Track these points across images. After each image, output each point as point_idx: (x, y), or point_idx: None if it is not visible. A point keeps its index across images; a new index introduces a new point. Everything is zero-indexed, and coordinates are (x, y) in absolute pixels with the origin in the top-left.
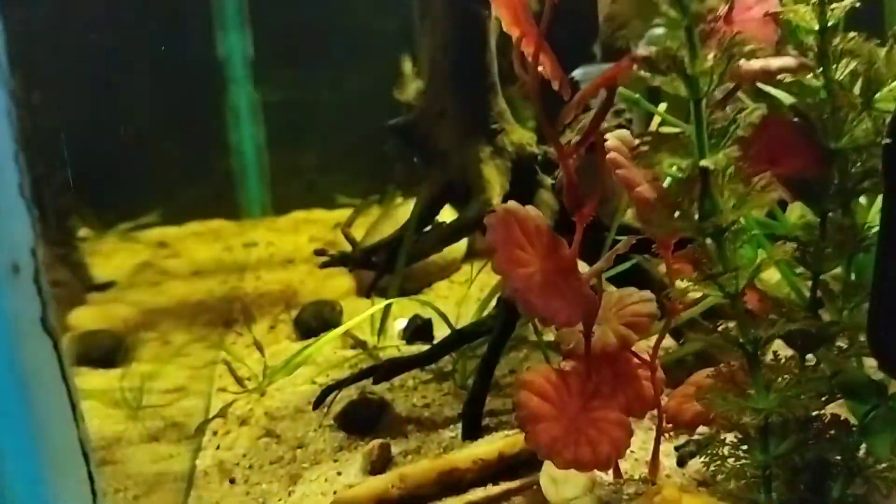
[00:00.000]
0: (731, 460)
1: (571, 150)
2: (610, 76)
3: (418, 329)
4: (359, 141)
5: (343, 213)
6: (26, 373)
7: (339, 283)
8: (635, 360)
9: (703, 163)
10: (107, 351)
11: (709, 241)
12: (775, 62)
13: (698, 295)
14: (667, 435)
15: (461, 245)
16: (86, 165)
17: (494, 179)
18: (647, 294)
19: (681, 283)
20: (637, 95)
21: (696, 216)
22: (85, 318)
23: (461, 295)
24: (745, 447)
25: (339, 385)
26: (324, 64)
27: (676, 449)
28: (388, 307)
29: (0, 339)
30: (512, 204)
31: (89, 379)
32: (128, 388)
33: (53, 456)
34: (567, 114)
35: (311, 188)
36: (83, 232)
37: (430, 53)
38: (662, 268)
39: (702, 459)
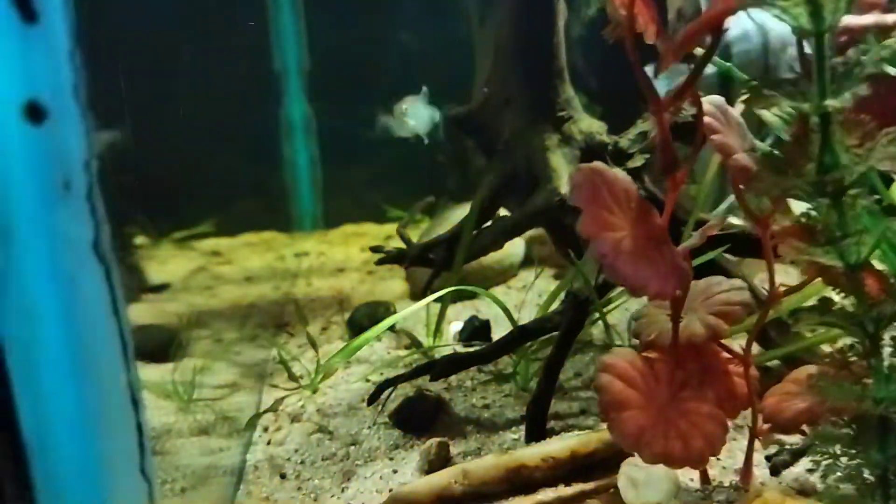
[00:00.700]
0: (843, 459)
1: (668, 103)
2: (716, 14)
3: (476, 330)
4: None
5: (394, 227)
6: (74, 303)
7: (392, 287)
8: (725, 354)
9: (829, 102)
10: (159, 345)
11: (825, 203)
12: (890, 17)
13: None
14: (758, 441)
15: (519, 250)
16: (143, 174)
17: (562, 168)
18: (739, 282)
19: (788, 248)
20: (729, 64)
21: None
22: (138, 313)
23: (518, 301)
24: (859, 446)
25: (395, 381)
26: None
27: (768, 459)
28: (443, 308)
29: (47, 264)
30: (599, 164)
31: (141, 371)
32: (179, 381)
33: (101, 396)
34: (666, 60)
35: (359, 202)
36: (139, 240)
37: (496, 39)
38: (744, 268)
39: (809, 458)
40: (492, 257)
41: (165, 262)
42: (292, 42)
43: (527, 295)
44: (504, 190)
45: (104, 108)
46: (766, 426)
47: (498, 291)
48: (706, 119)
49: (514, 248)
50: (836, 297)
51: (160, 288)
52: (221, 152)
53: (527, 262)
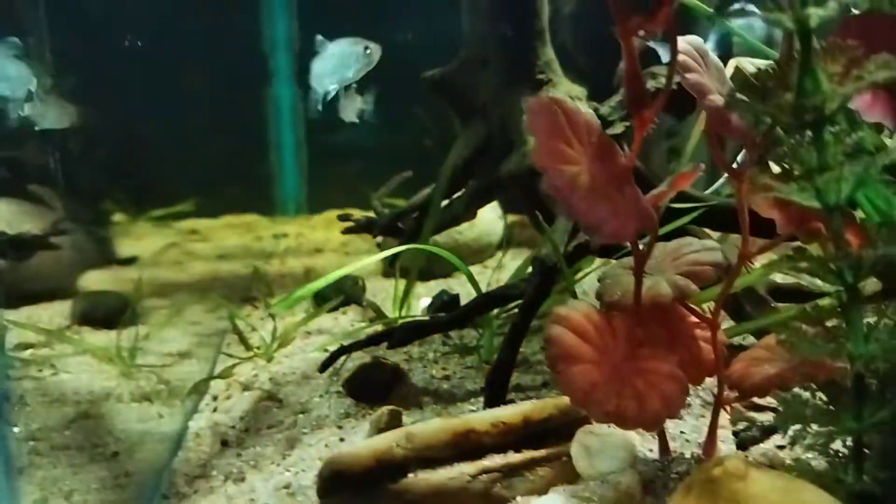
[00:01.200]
0: (814, 427)
1: (636, 24)
2: None
3: (444, 305)
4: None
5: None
6: None
7: (365, 265)
8: (692, 318)
9: (811, 10)
10: (111, 311)
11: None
12: None
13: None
14: (725, 418)
15: (497, 229)
16: (125, 154)
17: None
18: (711, 242)
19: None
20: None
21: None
22: (97, 279)
23: (493, 281)
24: (832, 413)
25: (350, 348)
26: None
27: (735, 434)
28: (410, 284)
29: None
30: (559, 95)
31: (89, 337)
32: (126, 347)
33: None
34: None
35: (347, 189)
36: (117, 217)
37: None
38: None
39: (777, 423)
40: (468, 235)
41: (140, 239)
42: (283, 22)
43: (500, 274)
44: (478, 156)
45: (86, 86)
46: (732, 395)
47: (473, 271)
48: (680, 57)
49: (493, 226)
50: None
51: (129, 261)
52: (206, 133)
53: (509, 243)
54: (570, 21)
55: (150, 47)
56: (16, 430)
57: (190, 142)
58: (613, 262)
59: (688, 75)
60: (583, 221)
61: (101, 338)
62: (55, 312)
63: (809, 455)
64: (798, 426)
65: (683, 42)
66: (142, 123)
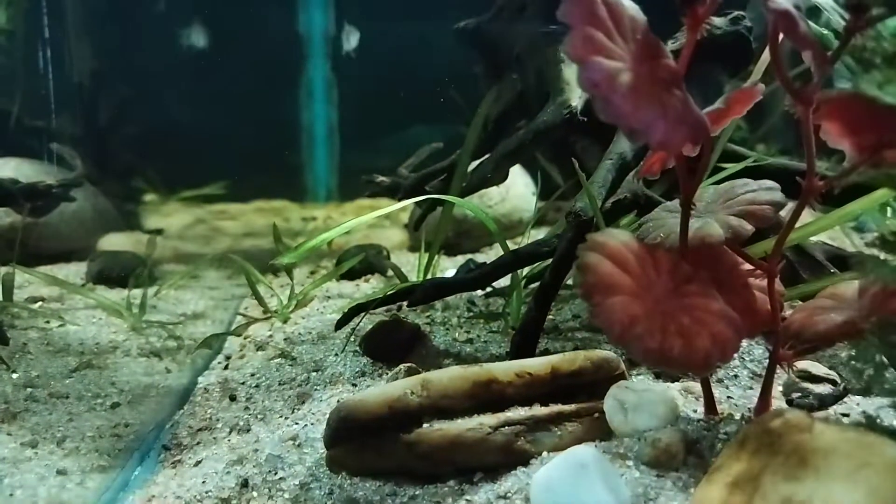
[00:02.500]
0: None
1: None
2: None
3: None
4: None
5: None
6: None
7: (390, 236)
8: (746, 265)
9: None
10: (127, 271)
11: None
12: None
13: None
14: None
15: (530, 206)
16: (159, 137)
17: (575, 82)
18: (769, 182)
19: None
20: None
21: None
22: (114, 242)
23: None
24: None
25: (367, 306)
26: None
27: (790, 402)
28: (433, 253)
29: None
30: None
31: (105, 294)
32: (137, 304)
33: None
34: None
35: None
36: (149, 196)
37: None
38: None
39: (850, 364)
40: (499, 210)
41: (168, 215)
42: (318, 4)
43: None
44: (512, 112)
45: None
46: (791, 352)
47: None
48: (779, 9)
49: (526, 203)
50: None
51: (155, 232)
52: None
53: (540, 223)
54: None
55: (185, 33)
56: (14, 376)
57: (223, 126)
58: None
59: (797, 31)
60: (625, 124)
61: (115, 296)
62: (72, 272)
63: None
64: (873, 373)
65: None
66: (175, 107)
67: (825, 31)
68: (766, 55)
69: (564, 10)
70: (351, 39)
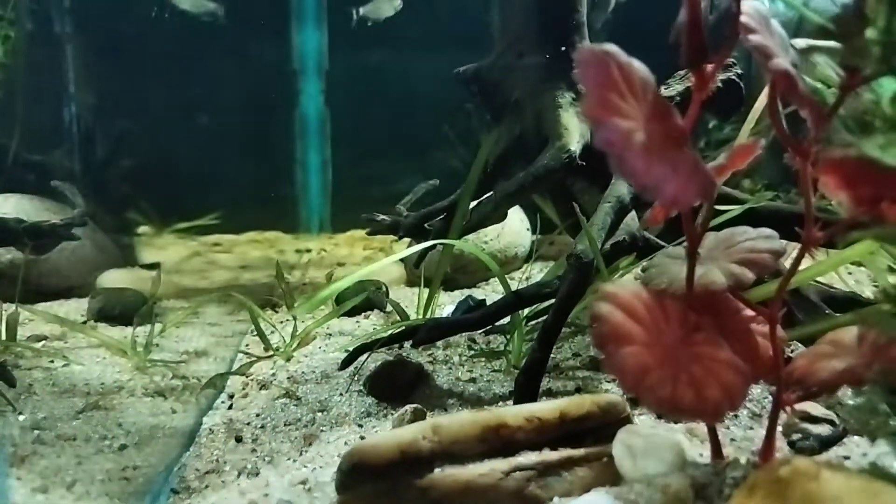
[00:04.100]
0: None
1: None
2: None
3: (470, 310)
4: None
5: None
6: None
7: (388, 271)
8: (747, 311)
9: None
10: (129, 308)
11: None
12: None
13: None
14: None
15: (525, 241)
16: (153, 169)
17: (574, 127)
18: (768, 231)
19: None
20: None
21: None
22: (114, 279)
23: None
24: None
25: (372, 345)
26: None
27: (791, 445)
28: (433, 289)
29: None
30: (611, 46)
31: (107, 331)
32: (141, 343)
33: None
34: None
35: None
36: (142, 229)
37: None
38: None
39: (853, 418)
40: (494, 245)
41: (163, 248)
42: (312, 41)
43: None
44: (511, 154)
45: (118, 102)
46: (793, 396)
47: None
48: (743, 18)
49: (520, 238)
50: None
51: (151, 266)
52: (234, 150)
53: (533, 258)
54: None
55: (182, 65)
56: (21, 418)
57: (216, 159)
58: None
59: (751, 37)
60: (640, 181)
61: (116, 333)
62: (72, 309)
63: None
64: (877, 420)
65: (745, 5)
66: (170, 140)
67: (820, 86)
68: (759, 103)
69: (581, 73)
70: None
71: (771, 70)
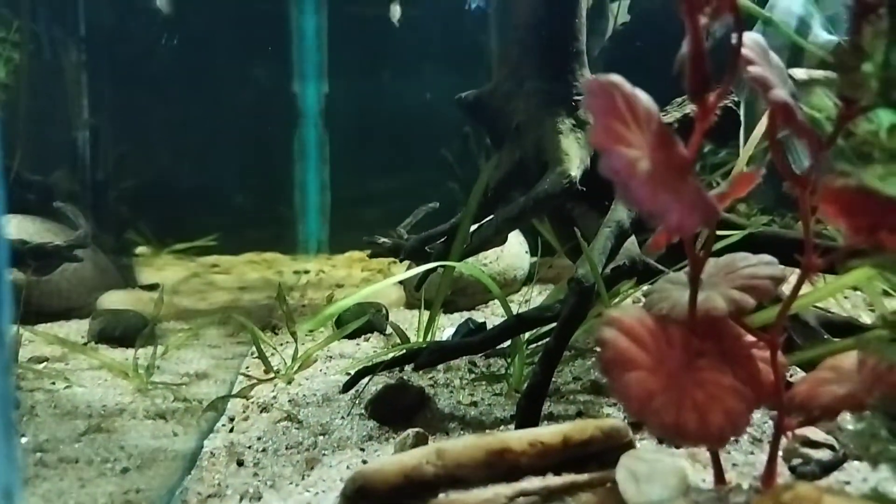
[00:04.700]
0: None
1: (703, 1)
2: None
3: (471, 333)
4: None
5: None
6: None
7: (388, 292)
8: (748, 337)
9: None
10: (129, 330)
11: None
12: None
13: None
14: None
15: (524, 264)
16: (152, 190)
17: (573, 152)
18: (768, 257)
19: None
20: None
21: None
22: (115, 300)
23: None
24: None
25: (374, 369)
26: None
27: (792, 470)
28: (434, 312)
29: None
30: (616, 76)
31: (108, 353)
32: (142, 365)
33: None
34: None
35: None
36: (140, 249)
37: (514, 17)
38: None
39: (855, 443)
40: (493, 268)
41: (162, 269)
42: (312, 63)
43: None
44: (511, 178)
45: (118, 123)
46: (794, 421)
47: (499, 304)
48: (745, 51)
49: (520, 261)
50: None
51: (150, 287)
52: (233, 172)
53: (532, 280)
54: (601, 57)
55: (182, 86)
56: (24, 440)
57: (216, 180)
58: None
59: (750, 68)
60: (645, 209)
61: (117, 355)
62: (73, 330)
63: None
64: (879, 446)
65: (746, 37)
66: (169, 160)
67: (818, 115)
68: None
69: (587, 103)
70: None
71: (771, 101)
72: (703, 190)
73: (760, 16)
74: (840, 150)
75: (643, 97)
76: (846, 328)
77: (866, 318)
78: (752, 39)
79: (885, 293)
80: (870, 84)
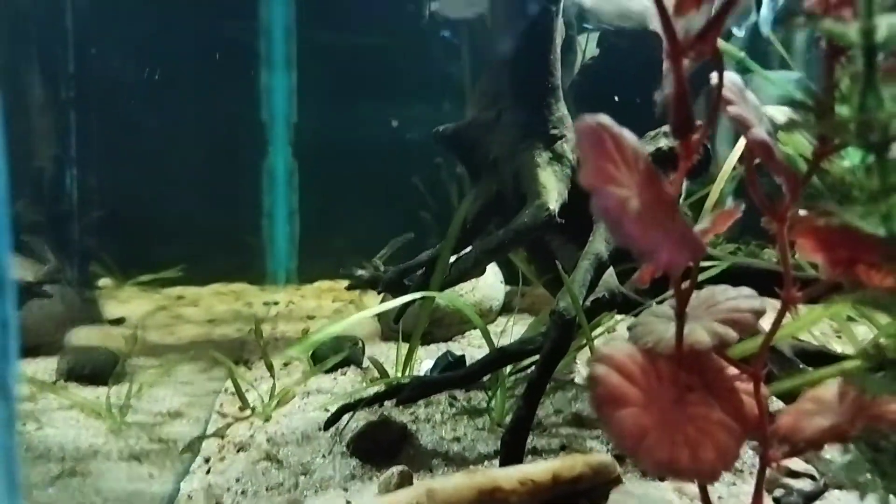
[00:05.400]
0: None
1: (687, 45)
2: None
3: (450, 366)
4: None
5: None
6: None
7: (363, 325)
8: (731, 369)
9: (885, 20)
10: (99, 368)
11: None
12: None
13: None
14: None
15: (499, 295)
16: (116, 221)
17: (551, 185)
18: (748, 290)
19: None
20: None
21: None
22: (82, 336)
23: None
24: None
25: (356, 405)
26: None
27: (776, 501)
28: (413, 345)
29: None
30: (605, 117)
31: (77, 392)
32: (115, 404)
33: None
34: None
35: (339, 260)
36: (103, 281)
37: (491, 52)
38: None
39: (844, 473)
40: (469, 299)
41: (126, 302)
42: (281, 92)
43: (502, 339)
44: (489, 211)
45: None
46: (779, 451)
47: (474, 335)
48: (724, 91)
49: (495, 291)
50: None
51: (116, 321)
52: (198, 200)
53: (507, 310)
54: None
55: (148, 114)
56: None
57: (181, 209)
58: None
59: (729, 108)
60: (636, 247)
61: (88, 394)
62: (41, 368)
63: None
64: (868, 476)
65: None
66: (135, 189)
67: (792, 153)
68: (729, 162)
69: (578, 144)
70: None
71: (749, 140)
72: (690, 227)
73: (736, 57)
74: (817, 189)
75: (630, 137)
76: (820, 357)
77: (836, 346)
78: (730, 80)
79: (850, 318)
80: (846, 127)
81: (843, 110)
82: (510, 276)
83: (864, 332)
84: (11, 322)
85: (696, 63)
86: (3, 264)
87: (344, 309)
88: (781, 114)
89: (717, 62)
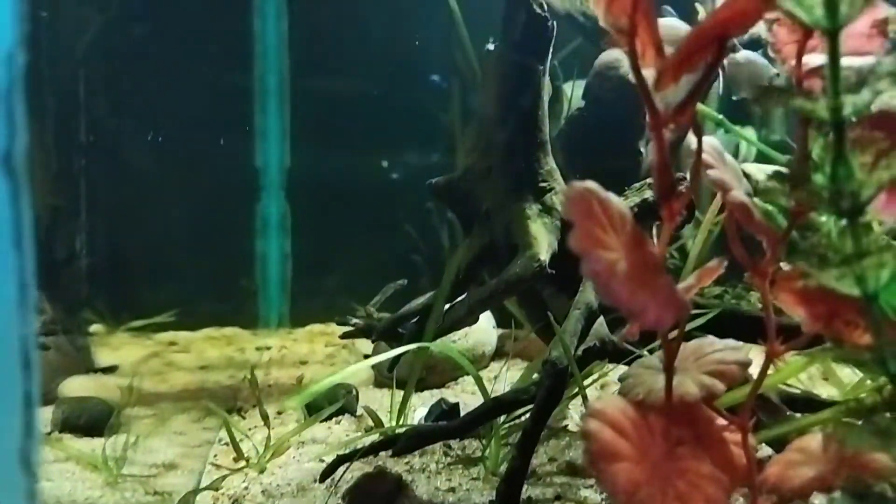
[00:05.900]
0: None
1: (668, 117)
2: (721, 22)
3: (444, 414)
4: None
5: None
6: None
7: (356, 373)
8: (719, 420)
9: (850, 99)
10: (94, 419)
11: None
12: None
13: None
14: None
15: (492, 339)
16: (107, 266)
17: (542, 236)
18: (734, 342)
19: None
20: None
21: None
22: (76, 387)
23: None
24: None
25: (351, 456)
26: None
27: None
28: (407, 393)
29: None
30: (592, 183)
31: (71, 444)
32: (111, 456)
33: None
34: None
35: (330, 303)
36: (94, 327)
37: (481, 109)
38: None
39: None
40: (463, 345)
41: (118, 349)
42: (275, 137)
43: (498, 386)
44: (481, 261)
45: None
46: (768, 502)
47: (468, 381)
48: (704, 155)
49: (488, 336)
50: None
51: (108, 369)
52: (192, 245)
53: (499, 355)
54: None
55: (142, 160)
56: None
57: (174, 253)
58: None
59: (710, 172)
60: (625, 308)
61: (83, 445)
62: None
63: None
64: None
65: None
66: (126, 234)
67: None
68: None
69: (567, 208)
70: None
71: (729, 203)
72: (675, 287)
73: (714, 118)
74: (796, 249)
75: (615, 200)
76: (807, 404)
77: (823, 389)
78: (709, 144)
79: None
80: (820, 195)
81: (817, 178)
82: (502, 320)
83: (849, 375)
84: (35, 399)
85: (676, 133)
86: (28, 345)
87: (336, 354)
88: (760, 172)
89: (696, 129)
